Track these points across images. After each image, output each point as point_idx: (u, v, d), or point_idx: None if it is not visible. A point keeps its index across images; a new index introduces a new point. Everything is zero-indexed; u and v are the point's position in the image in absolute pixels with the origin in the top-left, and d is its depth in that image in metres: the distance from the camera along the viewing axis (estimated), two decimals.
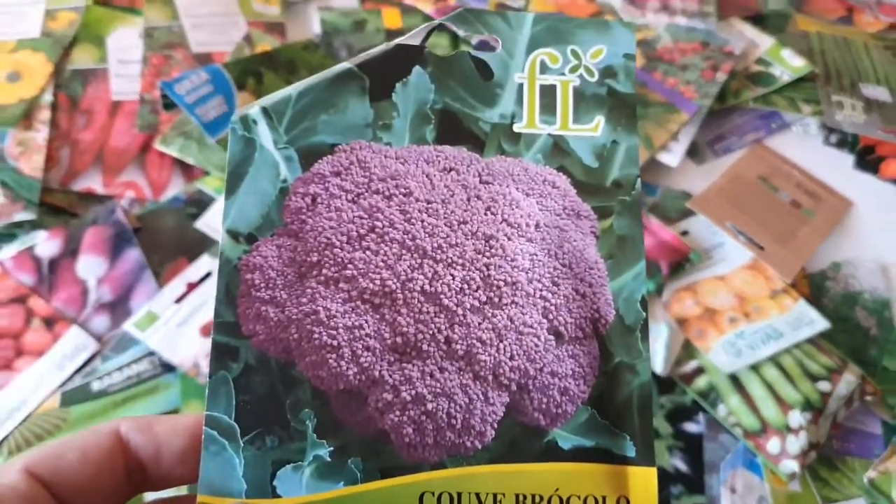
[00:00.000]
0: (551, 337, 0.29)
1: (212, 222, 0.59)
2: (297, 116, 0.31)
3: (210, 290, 0.55)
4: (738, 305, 0.58)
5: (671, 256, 0.59)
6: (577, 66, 0.33)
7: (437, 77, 0.32)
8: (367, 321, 0.28)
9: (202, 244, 0.58)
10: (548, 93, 0.32)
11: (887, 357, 0.55)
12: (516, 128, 0.32)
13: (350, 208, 0.30)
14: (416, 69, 0.32)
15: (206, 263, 0.57)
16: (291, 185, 0.30)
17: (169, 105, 0.63)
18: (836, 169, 0.65)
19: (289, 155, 0.31)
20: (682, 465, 0.52)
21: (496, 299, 0.29)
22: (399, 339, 0.28)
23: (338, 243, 0.29)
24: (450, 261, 0.29)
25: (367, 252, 0.29)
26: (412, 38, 0.32)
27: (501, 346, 0.28)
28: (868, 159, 0.65)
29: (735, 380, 0.55)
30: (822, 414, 0.52)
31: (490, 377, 0.28)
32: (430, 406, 0.27)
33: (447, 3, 0.71)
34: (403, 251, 0.29)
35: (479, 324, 0.29)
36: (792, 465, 0.50)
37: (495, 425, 0.28)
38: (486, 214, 0.30)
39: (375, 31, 0.71)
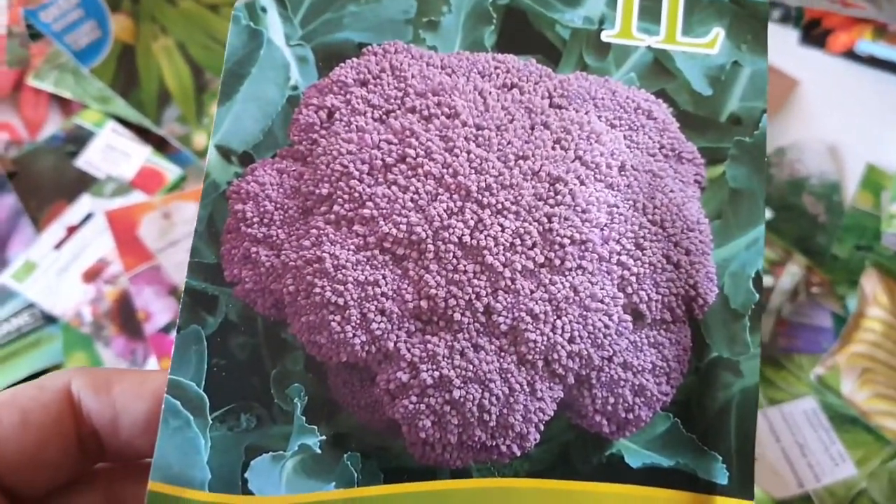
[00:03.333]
0: (628, 317, 0.22)
1: (92, 159, 0.56)
2: (318, 4, 0.24)
3: (91, 231, 0.52)
4: None
5: None
6: None
7: None
8: (384, 276, 0.22)
9: (83, 183, 0.55)
10: None
11: (836, 244, 0.52)
12: (605, 36, 0.24)
13: (376, 129, 0.23)
14: None
15: (87, 204, 0.53)
16: (303, 94, 0.24)
17: (35, 35, 0.58)
18: (780, 47, 0.61)
19: (303, 55, 0.24)
20: None
21: (557, 262, 0.22)
22: (424, 304, 0.21)
23: (356, 173, 0.22)
24: (500, 206, 0.22)
25: (394, 188, 0.22)
26: None
27: (559, 323, 0.21)
28: (814, 33, 0.61)
29: None
30: (764, 310, 0.49)
31: (540, 363, 0.21)
32: (456, 394, 0.21)
33: None
34: (440, 190, 0.22)
35: (532, 292, 0.22)
36: None
37: (542, 427, 0.21)
38: (554, 149, 0.23)
39: None
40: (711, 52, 0.24)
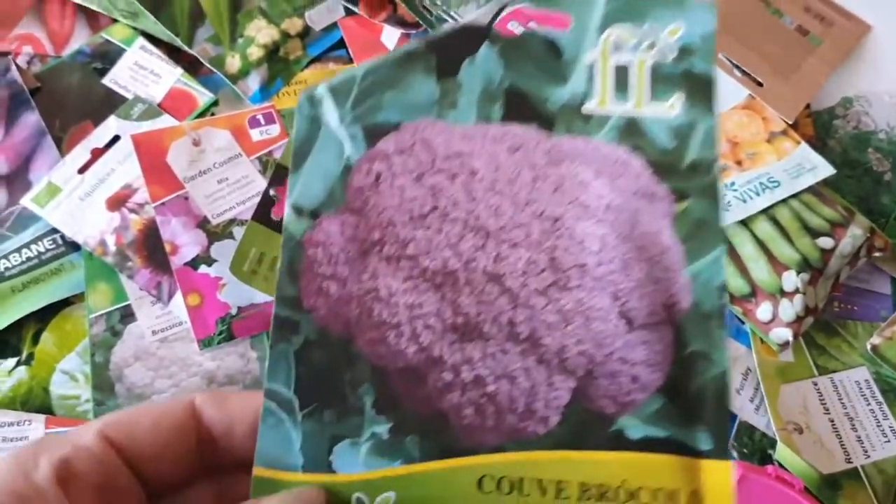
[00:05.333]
0: (622, 322, 0.28)
1: (119, 78, 0.51)
2: (362, 95, 0.31)
3: (117, 155, 0.48)
4: (730, 152, 0.50)
5: None
6: (653, 45, 0.31)
7: (505, 55, 0.31)
8: (427, 300, 0.28)
9: (109, 103, 0.50)
10: (621, 72, 0.31)
11: None
12: (586, 108, 0.31)
13: (413, 187, 0.29)
14: (484, 47, 0.31)
15: (113, 126, 0.49)
16: (355, 163, 0.30)
17: None
18: None
19: (353, 133, 0.30)
20: None
21: (563, 282, 0.28)
22: (460, 320, 0.27)
23: (399, 222, 0.29)
24: (514, 242, 0.28)
25: (429, 231, 0.28)
26: (481, 19, 0.32)
27: (568, 329, 0.27)
28: None
29: None
30: (823, 274, 0.45)
31: (555, 361, 0.27)
32: (490, 388, 0.26)
33: None
34: (466, 231, 0.28)
35: (544, 307, 0.27)
36: (784, 334, 0.44)
37: (559, 411, 0.27)
38: (553, 195, 0.29)
39: None
40: (672, 113, 0.31)
